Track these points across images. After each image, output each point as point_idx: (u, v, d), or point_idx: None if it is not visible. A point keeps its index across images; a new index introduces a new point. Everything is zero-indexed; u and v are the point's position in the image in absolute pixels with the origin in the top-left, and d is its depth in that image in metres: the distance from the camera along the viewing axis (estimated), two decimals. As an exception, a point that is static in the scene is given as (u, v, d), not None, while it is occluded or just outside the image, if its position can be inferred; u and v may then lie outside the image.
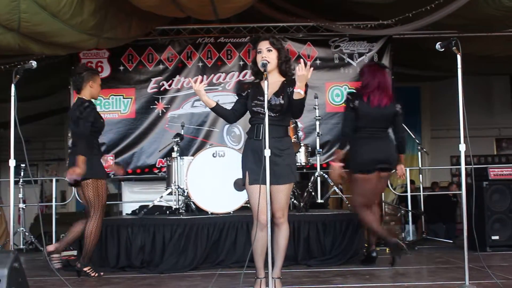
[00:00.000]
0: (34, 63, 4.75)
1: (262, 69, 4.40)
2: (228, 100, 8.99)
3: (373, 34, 8.97)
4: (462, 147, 4.40)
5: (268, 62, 4.41)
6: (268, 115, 4.37)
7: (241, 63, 9.11)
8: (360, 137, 5.86)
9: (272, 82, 4.44)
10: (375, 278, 5.37)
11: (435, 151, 13.93)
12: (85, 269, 5.84)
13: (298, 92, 4.24)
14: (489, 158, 14.80)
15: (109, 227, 6.52)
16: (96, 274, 5.87)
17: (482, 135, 14.25)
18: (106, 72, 9.08)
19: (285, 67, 4.58)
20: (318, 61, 9.13)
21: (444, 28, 8.56)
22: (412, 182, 11.58)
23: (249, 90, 4.64)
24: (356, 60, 9.11)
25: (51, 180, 14.61)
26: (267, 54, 4.48)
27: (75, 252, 7.84)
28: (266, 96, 4.22)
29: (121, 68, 9.12)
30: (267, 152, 4.16)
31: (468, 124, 12.23)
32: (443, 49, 4.54)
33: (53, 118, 14.07)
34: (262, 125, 4.42)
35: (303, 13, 9.22)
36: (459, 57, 4.38)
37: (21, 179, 8.95)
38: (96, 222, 5.85)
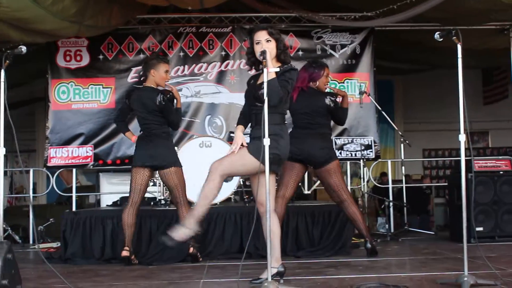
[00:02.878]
0: (24, 48, 4.59)
1: (260, 58, 4.32)
2: (210, 90, 8.90)
3: (355, 25, 8.95)
4: (462, 138, 4.42)
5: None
6: (257, 105, 4.39)
7: (223, 53, 8.97)
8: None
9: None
10: (367, 269, 5.35)
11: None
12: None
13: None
14: (467, 152, 14.91)
15: (93, 218, 6.39)
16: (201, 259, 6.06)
17: (454, 129, 14.34)
18: (85, 61, 8.88)
19: (284, 57, 4.53)
20: (300, 52, 9.06)
21: (427, 21, 8.58)
22: (384, 174, 11.69)
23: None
24: (339, 51, 9.06)
25: (21, 172, 14.40)
26: (266, 45, 4.41)
27: (54, 244, 7.72)
28: (265, 83, 4.15)
29: (101, 57, 8.90)
30: (266, 141, 4.11)
31: (440, 118, 12.26)
32: (441, 39, 4.54)
33: (23, 108, 13.76)
34: (253, 114, 4.47)
35: (285, 4, 9.16)
36: (459, 47, 4.38)
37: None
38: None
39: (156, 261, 6.01)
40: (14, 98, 12.58)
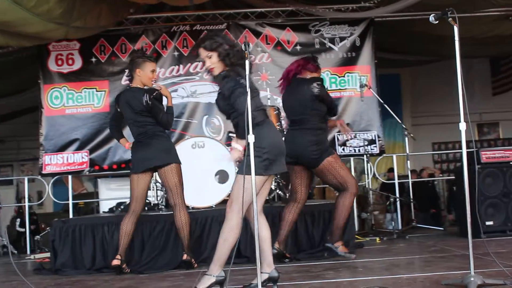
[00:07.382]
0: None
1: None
2: (206, 90, 8.66)
3: (354, 16, 8.67)
4: (463, 126, 4.09)
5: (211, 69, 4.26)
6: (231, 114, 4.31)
7: (219, 51, 8.69)
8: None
9: None
10: (369, 271, 5.07)
11: (416, 138, 13.65)
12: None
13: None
14: (471, 144, 14.55)
15: (83, 226, 6.13)
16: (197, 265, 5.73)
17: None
18: (77, 64, 8.68)
19: (229, 60, 4.22)
20: (298, 47, 8.79)
21: (427, 9, 8.25)
22: (391, 170, 11.33)
23: None
24: (338, 44, 8.78)
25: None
26: (209, 62, 4.24)
27: (49, 254, 7.48)
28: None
29: (93, 59, 8.69)
30: (251, 138, 3.85)
31: (449, 110, 11.97)
32: (437, 21, 4.23)
33: (26, 116, 13.57)
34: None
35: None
36: (455, 28, 4.08)
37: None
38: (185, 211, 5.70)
39: (148, 269, 5.75)
40: (17, 106, 12.44)
